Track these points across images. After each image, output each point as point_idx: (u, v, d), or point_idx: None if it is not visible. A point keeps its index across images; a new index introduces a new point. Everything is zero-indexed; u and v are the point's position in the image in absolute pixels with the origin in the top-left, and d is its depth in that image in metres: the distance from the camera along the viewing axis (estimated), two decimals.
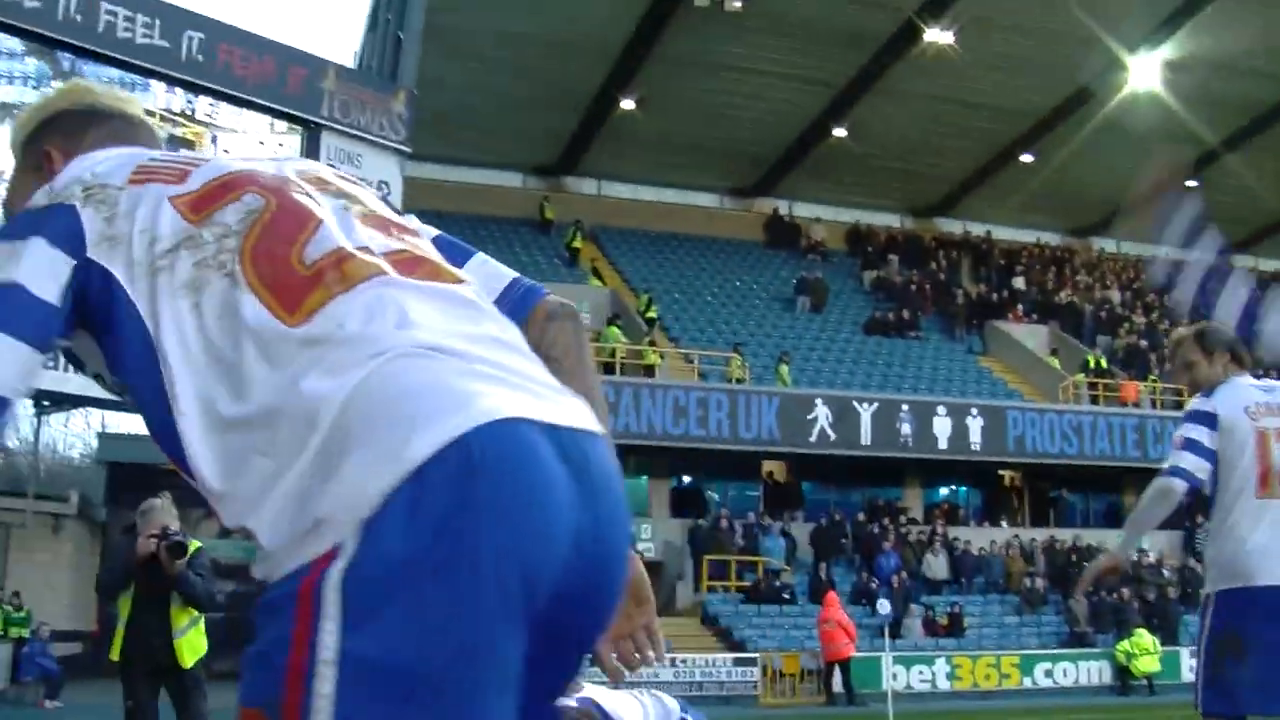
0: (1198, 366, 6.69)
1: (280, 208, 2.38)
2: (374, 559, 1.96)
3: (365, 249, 2.35)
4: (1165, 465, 6.39)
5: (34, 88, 26.74)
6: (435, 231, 2.70)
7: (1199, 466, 6.30)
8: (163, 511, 10.21)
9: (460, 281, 2.42)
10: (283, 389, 2.15)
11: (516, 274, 2.74)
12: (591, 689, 5.83)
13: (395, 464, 1.99)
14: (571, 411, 2.20)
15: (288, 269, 2.27)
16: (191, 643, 10.26)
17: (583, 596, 2.14)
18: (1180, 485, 6.29)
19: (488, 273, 2.71)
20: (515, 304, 2.65)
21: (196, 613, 10.25)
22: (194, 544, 10.26)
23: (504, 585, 1.98)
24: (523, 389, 2.16)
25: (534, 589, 2.02)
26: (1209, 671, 6.26)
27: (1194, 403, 6.51)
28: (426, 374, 2.10)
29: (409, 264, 2.38)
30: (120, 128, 2.79)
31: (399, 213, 2.63)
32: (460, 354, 2.16)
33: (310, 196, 2.44)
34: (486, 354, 2.20)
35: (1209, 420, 6.34)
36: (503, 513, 2.00)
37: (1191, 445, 6.32)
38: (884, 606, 28.47)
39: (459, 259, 2.65)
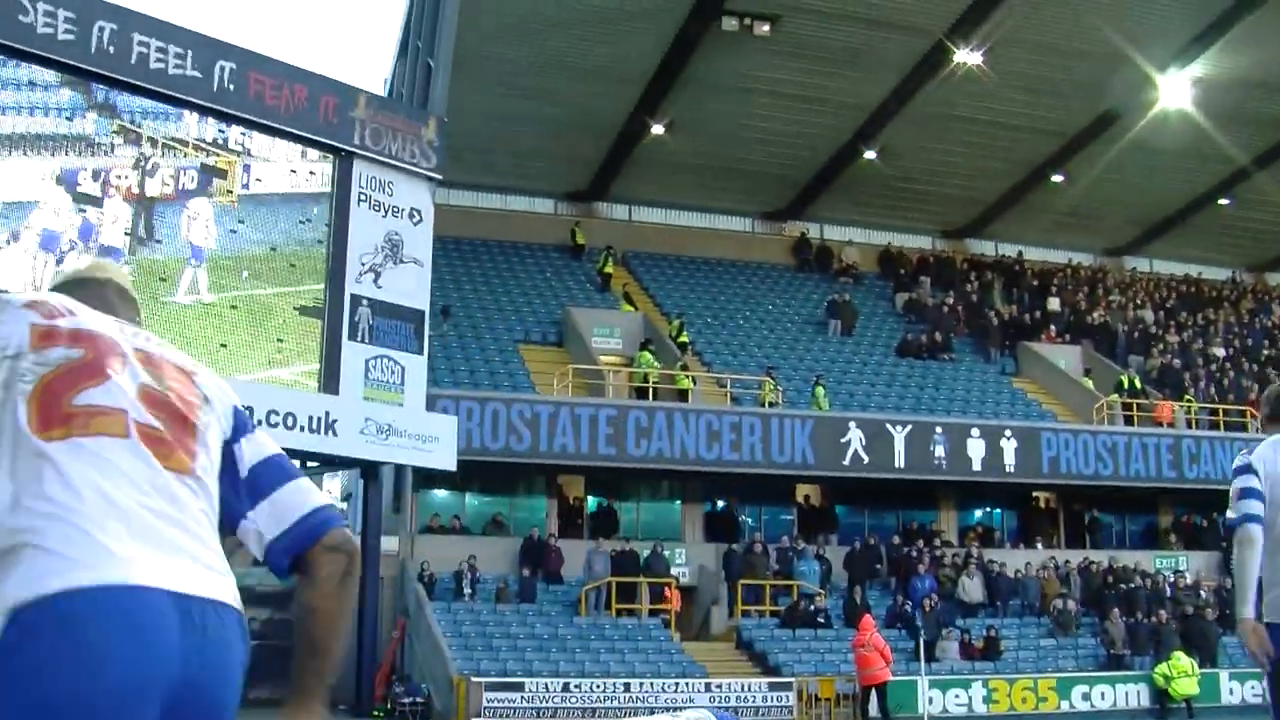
0: (1263, 426, 7.36)
1: (87, 362, 3.04)
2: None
3: (123, 413, 2.99)
4: (1232, 516, 6.76)
5: (67, 119, 26.82)
6: (268, 453, 3.32)
7: (1262, 509, 6.69)
8: None
9: (186, 471, 3.04)
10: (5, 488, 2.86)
11: (322, 504, 3.29)
12: None
13: (25, 592, 2.69)
14: (205, 583, 2.88)
15: (58, 403, 2.95)
16: None
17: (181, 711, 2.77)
18: (1257, 529, 6.67)
19: (293, 502, 3.26)
20: (305, 532, 3.24)
21: None
22: None
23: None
24: (169, 561, 2.83)
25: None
26: (1274, 695, 6.65)
27: (1238, 458, 6.96)
28: (89, 531, 2.79)
29: (152, 440, 3.00)
30: (85, 286, 3.48)
31: (202, 400, 3.23)
32: (128, 520, 2.84)
33: (122, 363, 3.09)
34: (153, 526, 2.87)
35: (1249, 469, 6.75)
36: (88, 662, 2.65)
37: (1249, 492, 6.71)
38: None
39: (268, 484, 3.26)
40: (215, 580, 2.91)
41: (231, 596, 2.93)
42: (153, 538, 2.85)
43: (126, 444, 2.96)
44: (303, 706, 3.17)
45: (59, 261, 25.94)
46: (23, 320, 3.07)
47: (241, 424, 3.29)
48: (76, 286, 3.44)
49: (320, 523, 3.23)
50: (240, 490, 3.22)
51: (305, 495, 3.26)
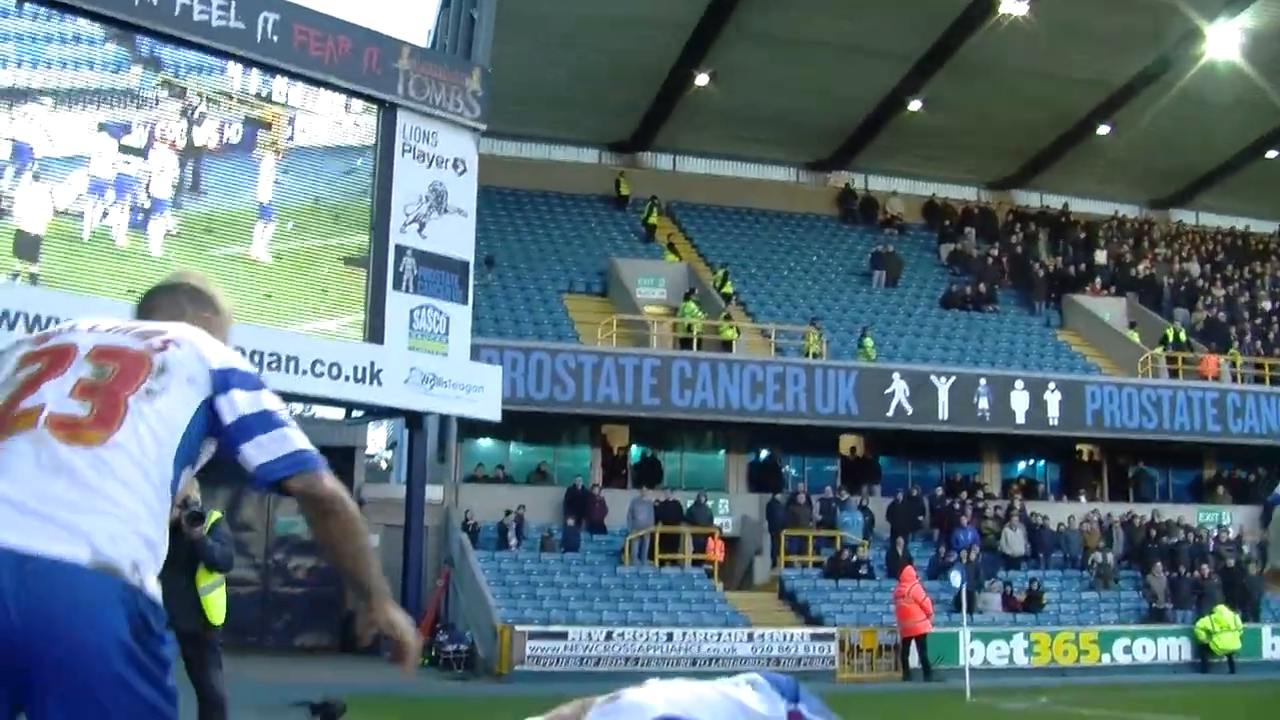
0: None
1: (38, 374, 3.75)
2: None
3: (39, 409, 3.63)
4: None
5: (113, 72, 26.94)
6: (251, 409, 3.86)
7: None
8: (186, 484, 10.76)
9: (96, 443, 3.59)
10: None
11: (298, 449, 3.84)
12: (669, 686, 5.69)
13: None
14: (54, 544, 3.37)
15: (6, 414, 3.65)
16: (214, 601, 10.92)
17: (17, 668, 3.29)
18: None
19: (252, 455, 3.84)
20: (261, 481, 3.85)
21: (219, 576, 10.99)
22: (214, 515, 11.10)
23: None
24: (24, 524, 3.37)
25: None
26: None
27: None
28: None
29: (62, 425, 3.60)
30: (161, 294, 4.36)
31: (156, 372, 3.80)
32: (20, 497, 3.42)
33: (67, 366, 3.76)
34: (27, 494, 3.43)
35: None
36: None
37: None
38: (955, 579, 28.26)
39: (251, 429, 3.83)
40: (69, 542, 3.40)
41: (88, 557, 3.39)
42: (20, 506, 3.42)
43: (31, 434, 3.58)
44: (370, 607, 3.97)
45: (104, 216, 26.14)
46: (16, 352, 3.91)
47: (223, 383, 3.85)
48: (155, 294, 4.31)
49: (268, 474, 3.84)
50: (229, 436, 3.83)
51: (264, 448, 3.84)
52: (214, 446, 3.92)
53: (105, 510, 3.50)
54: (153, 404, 3.72)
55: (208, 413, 3.83)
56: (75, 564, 3.37)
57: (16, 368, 3.84)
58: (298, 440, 3.87)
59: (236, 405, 3.85)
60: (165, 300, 4.27)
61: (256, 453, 3.82)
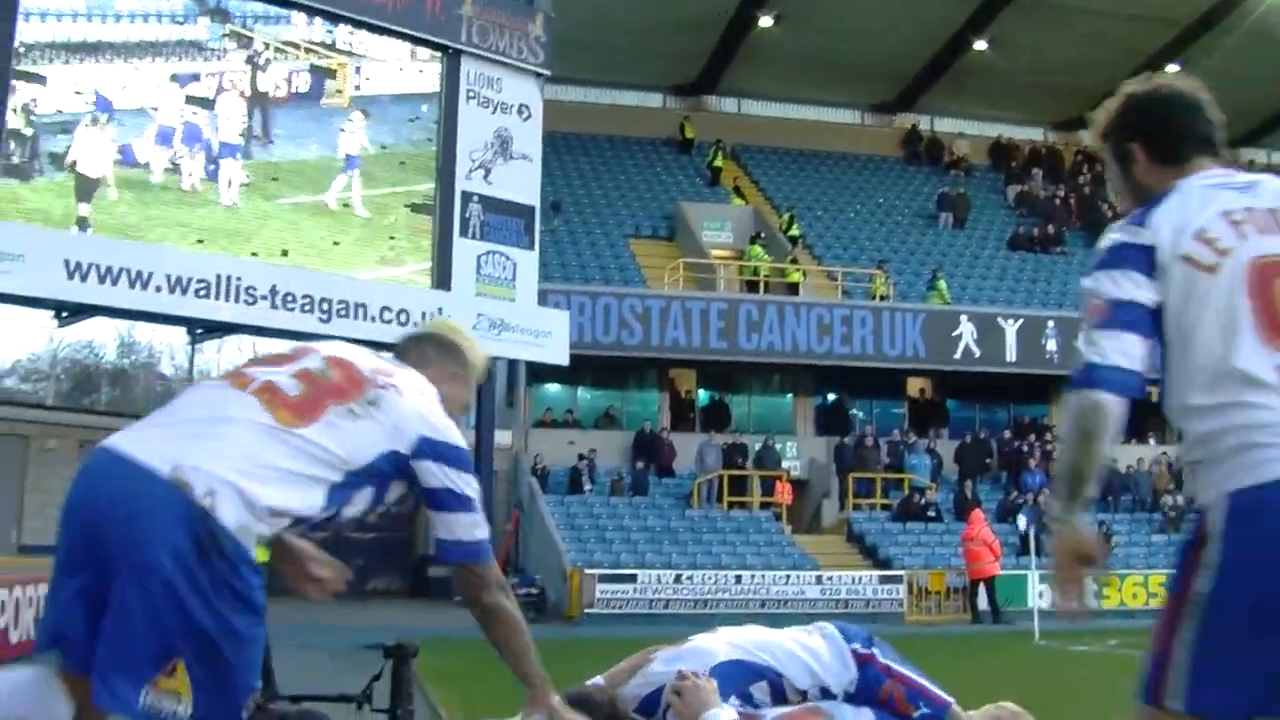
0: None
1: (278, 357, 4.31)
2: None
3: (253, 379, 4.13)
4: None
5: (178, 23, 27.09)
6: (436, 484, 4.30)
7: None
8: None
9: (284, 424, 4.01)
10: None
11: (475, 540, 4.37)
12: (735, 632, 5.73)
13: None
14: (146, 454, 3.82)
15: (238, 371, 4.27)
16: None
17: (99, 540, 3.74)
18: None
19: (459, 531, 4.35)
20: (441, 558, 4.43)
21: None
22: None
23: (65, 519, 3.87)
24: (162, 447, 3.84)
25: (74, 528, 3.84)
26: None
27: None
28: (156, 418, 4.10)
29: (268, 390, 4.09)
30: (413, 342, 4.83)
31: (363, 384, 4.25)
32: (178, 423, 4.00)
33: (301, 359, 4.27)
34: (187, 428, 3.95)
35: None
36: (78, 484, 3.90)
37: None
38: (1023, 521, 28.17)
39: (450, 504, 4.32)
40: (160, 458, 3.80)
41: (168, 471, 3.77)
42: (175, 434, 3.92)
43: (239, 392, 4.07)
44: (532, 698, 4.44)
45: (173, 166, 26.37)
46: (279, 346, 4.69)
47: (430, 451, 4.24)
48: (407, 342, 4.77)
49: (445, 554, 4.36)
50: (429, 499, 4.30)
51: (454, 525, 4.33)
52: (406, 491, 4.35)
53: (216, 451, 3.87)
54: (352, 423, 4.12)
55: (399, 462, 4.20)
56: (153, 470, 3.78)
57: (269, 352, 4.45)
58: (478, 530, 4.37)
59: (438, 476, 4.26)
60: (414, 349, 4.68)
61: (444, 526, 4.31)
